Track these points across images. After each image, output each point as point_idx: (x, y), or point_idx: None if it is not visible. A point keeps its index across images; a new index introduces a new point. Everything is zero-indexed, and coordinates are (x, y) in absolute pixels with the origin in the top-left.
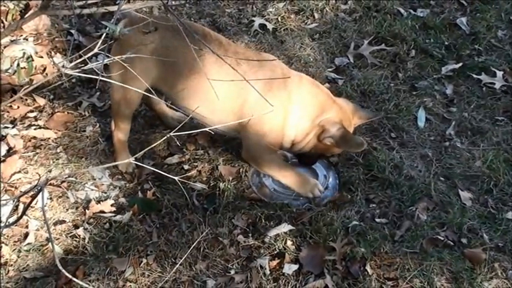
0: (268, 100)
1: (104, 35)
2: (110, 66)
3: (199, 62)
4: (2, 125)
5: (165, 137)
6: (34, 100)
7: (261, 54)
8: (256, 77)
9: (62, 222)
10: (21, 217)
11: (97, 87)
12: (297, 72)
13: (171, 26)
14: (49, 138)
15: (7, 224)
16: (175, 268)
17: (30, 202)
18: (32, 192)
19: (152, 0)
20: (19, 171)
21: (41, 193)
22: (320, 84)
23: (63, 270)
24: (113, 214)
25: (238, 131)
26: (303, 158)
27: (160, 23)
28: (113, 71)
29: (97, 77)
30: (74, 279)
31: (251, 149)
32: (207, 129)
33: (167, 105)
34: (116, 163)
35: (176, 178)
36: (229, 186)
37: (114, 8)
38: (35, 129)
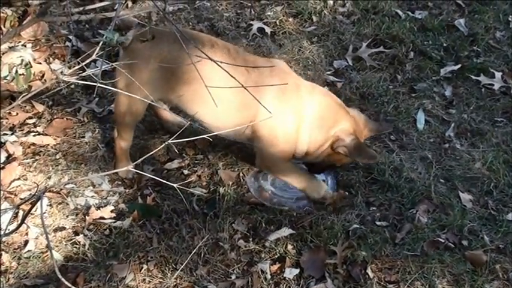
0: (282, 110)
1: (102, 41)
2: (116, 77)
3: (199, 74)
4: (1, 132)
5: (163, 145)
6: (33, 106)
7: (270, 61)
8: (268, 86)
9: (62, 229)
10: (20, 225)
11: (95, 93)
12: (308, 82)
13: (178, 37)
14: (48, 145)
15: (7, 231)
16: (176, 274)
17: (29, 210)
18: (32, 200)
19: (151, 3)
20: (18, 178)
21: (40, 201)
22: (333, 95)
23: (63, 279)
24: (113, 220)
25: (251, 140)
26: (313, 167)
27: (167, 33)
28: (119, 82)
29: (95, 84)
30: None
31: (266, 159)
32: (206, 136)
33: (169, 111)
34: (115, 170)
35: (175, 185)
36: (229, 190)
37: (112, 14)
38: (34, 135)
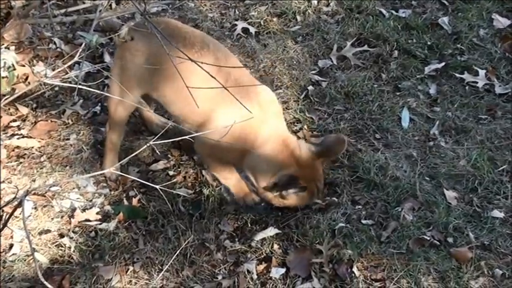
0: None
1: (84, 44)
2: (111, 69)
3: (173, 62)
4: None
5: (145, 146)
6: (17, 109)
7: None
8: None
9: (47, 231)
10: (3, 228)
11: (76, 95)
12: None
13: (167, 31)
14: (33, 147)
15: None
16: (160, 274)
17: (12, 213)
18: (15, 203)
19: (134, 1)
20: (3, 181)
21: (22, 205)
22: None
23: (46, 283)
24: (99, 222)
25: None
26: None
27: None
28: (113, 74)
29: (75, 86)
30: None
31: (205, 147)
32: (187, 137)
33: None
34: (100, 172)
35: (157, 186)
36: (213, 191)
37: (95, 16)
38: (18, 138)
